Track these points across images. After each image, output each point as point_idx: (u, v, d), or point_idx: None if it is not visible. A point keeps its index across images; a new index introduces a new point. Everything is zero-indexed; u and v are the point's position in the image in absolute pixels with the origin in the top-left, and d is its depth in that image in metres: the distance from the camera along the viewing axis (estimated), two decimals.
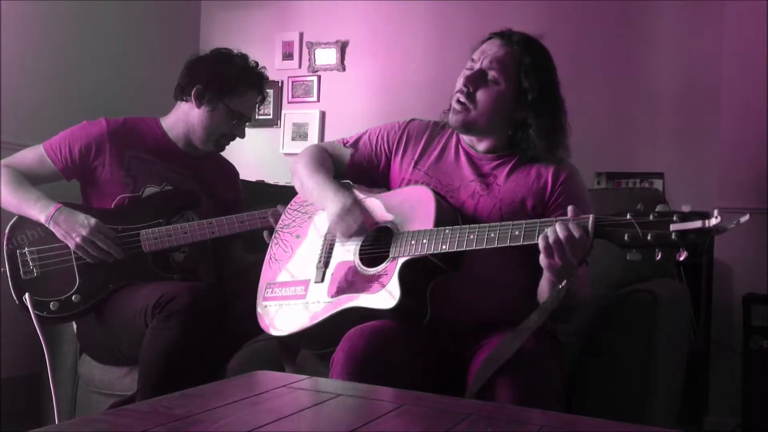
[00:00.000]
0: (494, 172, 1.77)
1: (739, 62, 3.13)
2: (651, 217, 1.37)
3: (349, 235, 1.74)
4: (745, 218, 1.29)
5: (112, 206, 2.14)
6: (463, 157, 1.81)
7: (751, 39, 3.06)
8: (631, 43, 3.48)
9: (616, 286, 2.00)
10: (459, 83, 1.75)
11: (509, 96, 1.72)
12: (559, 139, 1.75)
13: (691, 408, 2.95)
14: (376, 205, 1.80)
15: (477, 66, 1.74)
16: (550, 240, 1.45)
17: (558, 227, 1.44)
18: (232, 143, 2.34)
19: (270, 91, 4.04)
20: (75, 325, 2.22)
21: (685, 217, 1.34)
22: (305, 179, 1.86)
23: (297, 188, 1.92)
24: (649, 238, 1.36)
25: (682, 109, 3.38)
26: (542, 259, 1.48)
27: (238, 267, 2.30)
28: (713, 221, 1.31)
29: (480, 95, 1.72)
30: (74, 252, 2.05)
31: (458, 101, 1.74)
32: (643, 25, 3.46)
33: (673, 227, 1.34)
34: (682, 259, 1.35)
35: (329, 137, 3.96)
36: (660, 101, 3.42)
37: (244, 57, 2.25)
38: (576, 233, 1.42)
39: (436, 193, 1.70)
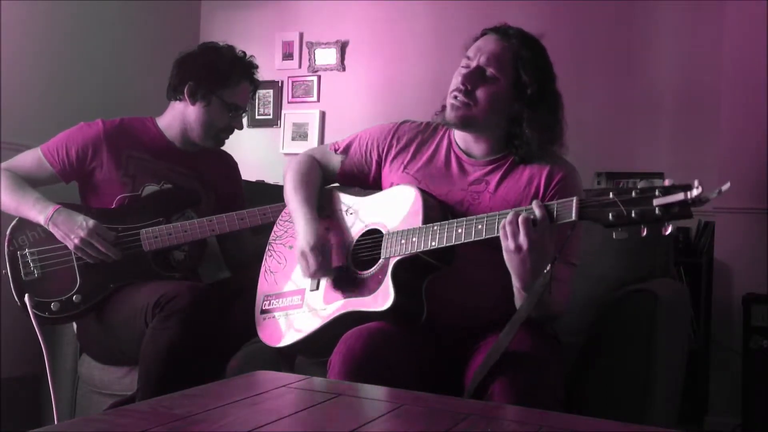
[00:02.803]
0: (486, 178, 1.74)
1: (739, 62, 3.12)
2: (633, 194, 1.36)
3: (307, 276, 1.76)
4: (726, 186, 1.29)
5: (113, 206, 2.14)
6: (454, 163, 1.78)
7: (751, 39, 3.05)
8: (631, 43, 3.48)
9: (616, 286, 2.00)
10: (455, 81, 1.73)
11: (508, 92, 1.70)
12: (555, 135, 1.73)
13: (691, 408, 2.95)
14: (365, 206, 1.80)
15: (474, 63, 1.71)
16: (507, 220, 1.47)
17: (522, 211, 1.46)
18: (231, 142, 2.34)
19: (270, 91, 4.05)
20: (75, 325, 2.22)
21: (667, 191, 1.33)
22: (288, 198, 1.88)
23: (285, 200, 1.93)
24: (633, 215, 1.35)
25: (682, 109, 3.38)
26: (503, 249, 1.49)
27: (253, 252, 2.29)
28: (695, 192, 1.30)
29: (480, 93, 1.70)
30: (74, 252, 2.05)
31: (456, 98, 1.71)
32: (643, 25, 3.46)
33: (656, 202, 1.33)
34: (668, 233, 1.34)
35: (329, 137, 3.96)
36: (660, 101, 3.42)
37: (230, 48, 2.24)
38: (537, 212, 1.44)
39: (422, 191, 1.68)
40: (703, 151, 3.30)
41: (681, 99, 3.39)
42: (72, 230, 2.03)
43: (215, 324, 1.98)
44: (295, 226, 1.82)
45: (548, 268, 1.46)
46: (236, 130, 2.29)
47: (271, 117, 4.10)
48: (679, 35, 3.40)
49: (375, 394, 1.28)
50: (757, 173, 3.02)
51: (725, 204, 2.97)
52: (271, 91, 4.07)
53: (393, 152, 1.85)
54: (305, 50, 4.05)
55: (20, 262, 2.08)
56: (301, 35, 4.06)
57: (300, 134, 4.04)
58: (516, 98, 1.70)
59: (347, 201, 1.85)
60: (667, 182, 1.34)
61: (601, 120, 3.40)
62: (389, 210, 1.72)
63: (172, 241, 2.11)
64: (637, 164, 3.44)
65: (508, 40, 1.72)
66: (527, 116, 1.69)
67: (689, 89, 3.37)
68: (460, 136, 1.80)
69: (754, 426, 2.85)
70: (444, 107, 1.78)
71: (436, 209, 1.67)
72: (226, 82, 2.19)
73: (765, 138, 3.00)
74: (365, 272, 1.69)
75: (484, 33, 1.77)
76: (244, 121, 2.27)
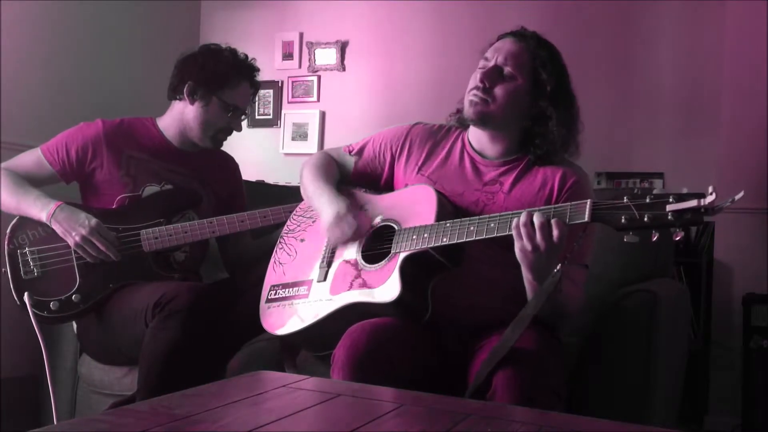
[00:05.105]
0: (500, 179, 1.76)
1: (739, 62, 3.13)
2: (647, 200, 1.38)
3: (343, 242, 1.76)
4: (739, 195, 1.31)
5: (113, 206, 2.14)
6: (467, 163, 1.80)
7: (752, 39, 3.06)
8: (631, 43, 3.48)
9: (616, 286, 2.00)
10: (473, 80, 1.75)
11: (526, 90, 1.72)
12: (573, 134, 1.75)
13: (691, 408, 2.95)
14: (379, 204, 1.80)
15: (491, 63, 1.74)
16: (521, 221, 1.47)
17: (535, 212, 1.48)
18: (231, 142, 2.34)
19: (270, 91, 4.05)
20: (75, 325, 2.22)
21: (681, 198, 1.35)
22: (307, 184, 1.89)
23: (302, 194, 1.94)
24: (645, 219, 1.37)
25: (682, 108, 3.38)
26: (515, 247, 1.50)
27: (250, 256, 2.29)
28: (708, 199, 1.32)
29: (498, 90, 1.72)
30: (74, 251, 2.05)
31: (475, 95, 1.73)
32: (643, 25, 3.46)
33: (669, 207, 1.35)
34: (677, 239, 1.36)
35: (329, 137, 3.96)
36: (660, 101, 3.42)
37: (232, 51, 2.25)
38: (556, 231, 1.45)
39: (438, 191, 1.71)
40: (703, 151, 3.30)
41: (681, 99, 3.39)
42: (74, 227, 2.03)
43: (215, 324, 1.98)
44: (318, 205, 1.83)
45: (558, 267, 1.47)
46: (235, 132, 2.29)
47: (271, 117, 4.10)
48: (679, 35, 3.39)
49: (375, 394, 1.28)
50: (757, 173, 3.02)
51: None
52: (271, 91, 4.06)
53: (406, 153, 1.87)
54: (305, 50, 4.05)
55: (20, 260, 2.07)
56: (301, 35, 4.06)
57: (300, 134, 4.03)
58: (536, 97, 1.72)
59: (362, 198, 1.86)
60: (683, 191, 1.37)
61: (601, 120, 3.40)
62: (403, 207, 1.74)
63: (173, 242, 2.11)
64: (637, 164, 3.44)
65: (524, 41, 1.75)
66: (549, 113, 1.71)
67: (689, 89, 3.37)
68: (474, 137, 1.82)
69: (754, 426, 2.85)
70: (458, 110, 1.83)
71: (449, 209, 1.69)
72: (225, 83, 2.19)
73: (765, 138, 3.01)
74: (374, 265, 1.70)
75: (500, 37, 1.80)
76: (244, 121, 2.26)
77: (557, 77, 1.73)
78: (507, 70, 1.72)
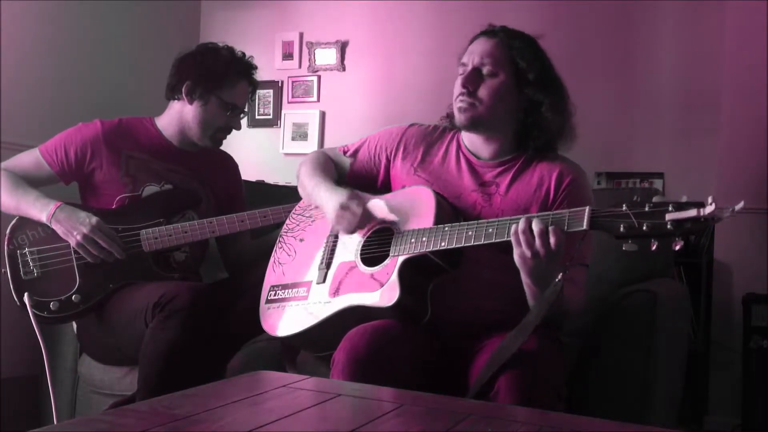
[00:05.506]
0: (496, 181, 1.75)
1: (739, 62, 3.12)
2: (647, 208, 1.38)
3: (351, 230, 1.74)
4: (739, 206, 1.30)
5: (113, 206, 2.14)
6: (464, 165, 1.79)
7: (751, 39, 3.06)
8: (631, 43, 3.48)
9: (616, 286, 2.00)
10: (457, 88, 1.75)
11: (510, 83, 1.72)
12: (566, 117, 1.74)
13: (691, 408, 2.95)
14: (378, 206, 1.80)
15: (469, 66, 1.74)
16: (520, 228, 1.47)
17: (533, 219, 1.47)
18: (230, 142, 2.34)
19: (270, 91, 4.05)
20: (75, 325, 2.22)
21: (680, 207, 1.35)
22: (305, 180, 1.89)
23: (300, 191, 1.94)
24: (644, 228, 1.37)
25: (682, 109, 3.38)
26: (515, 254, 1.50)
27: (249, 255, 2.29)
28: (708, 209, 1.31)
29: (482, 91, 1.71)
30: (74, 252, 2.05)
31: (462, 101, 1.73)
32: (643, 26, 3.45)
33: (668, 216, 1.35)
34: (677, 248, 1.36)
35: (329, 137, 3.96)
36: (660, 101, 3.42)
37: (230, 49, 2.25)
38: (553, 240, 1.44)
39: (436, 193, 1.70)
40: (703, 151, 3.30)
41: (681, 99, 3.38)
42: (75, 227, 2.03)
43: (215, 324, 1.98)
44: (318, 199, 1.82)
45: (559, 277, 1.47)
46: (234, 131, 2.29)
47: (271, 117, 4.10)
48: (679, 35, 3.39)
49: (375, 394, 1.28)
50: (757, 173, 3.02)
51: (725, 204, 2.97)
52: (271, 91, 4.06)
53: (401, 155, 1.86)
54: (305, 50, 4.05)
55: (20, 261, 2.07)
56: (301, 35, 4.06)
57: (300, 134, 4.03)
58: (521, 88, 1.72)
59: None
60: (683, 199, 1.36)
61: (601, 120, 3.40)
62: (401, 209, 1.73)
63: (172, 242, 2.11)
64: (637, 164, 3.44)
65: (496, 37, 1.75)
66: (541, 99, 1.71)
67: (689, 89, 3.36)
68: (468, 139, 1.81)
69: (754, 426, 2.85)
70: (448, 114, 1.82)
71: (448, 211, 1.68)
72: (223, 82, 2.18)
73: (765, 138, 3.01)
74: (372, 269, 1.69)
75: (472, 40, 1.80)
76: (244, 121, 2.26)
77: (538, 64, 1.72)
78: (486, 69, 1.72)
